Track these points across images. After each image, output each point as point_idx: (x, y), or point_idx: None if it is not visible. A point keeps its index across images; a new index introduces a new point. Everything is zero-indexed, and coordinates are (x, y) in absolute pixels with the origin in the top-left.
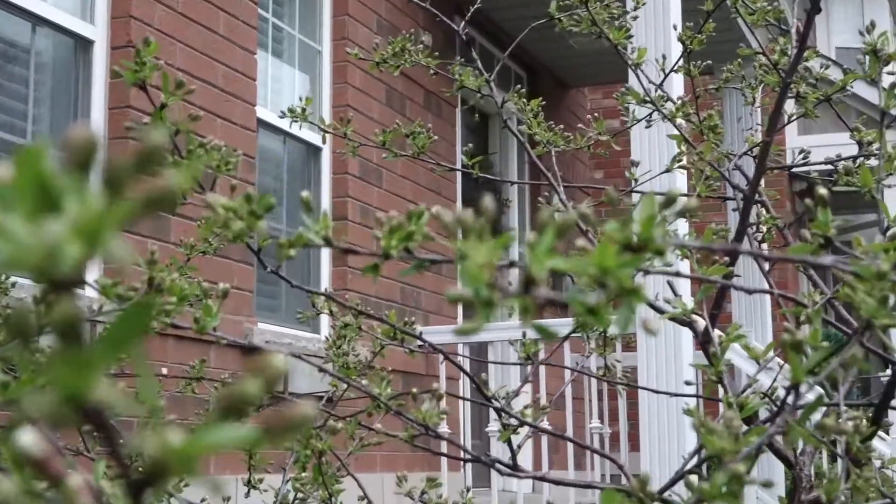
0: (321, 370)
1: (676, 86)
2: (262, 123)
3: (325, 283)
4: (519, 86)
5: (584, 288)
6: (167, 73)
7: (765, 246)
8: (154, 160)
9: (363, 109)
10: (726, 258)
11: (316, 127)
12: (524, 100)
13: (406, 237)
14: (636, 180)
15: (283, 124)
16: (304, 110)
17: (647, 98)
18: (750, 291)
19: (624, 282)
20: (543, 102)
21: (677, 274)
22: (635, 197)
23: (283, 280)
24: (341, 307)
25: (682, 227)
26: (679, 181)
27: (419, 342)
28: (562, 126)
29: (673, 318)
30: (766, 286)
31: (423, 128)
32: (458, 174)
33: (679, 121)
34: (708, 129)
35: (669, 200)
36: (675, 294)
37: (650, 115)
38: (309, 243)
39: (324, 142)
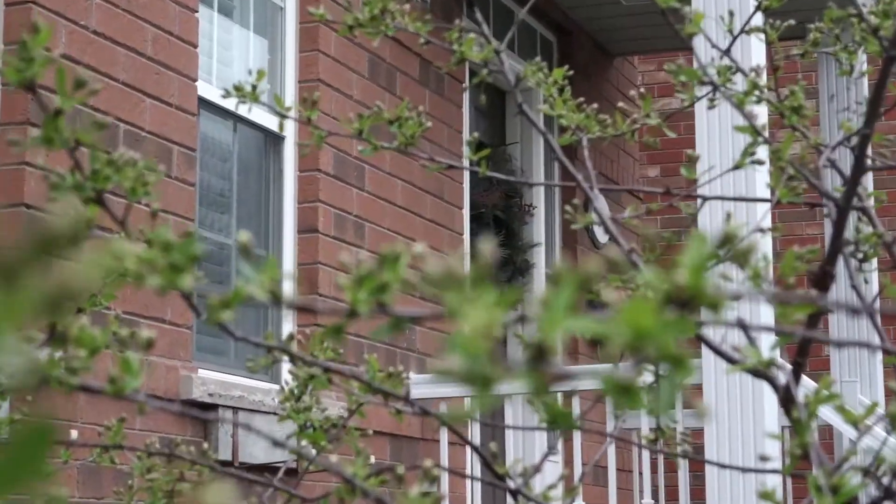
0: (274, 443)
1: (753, 52)
2: (205, 104)
3: (289, 318)
4: (538, 58)
5: (614, 356)
6: (62, 69)
7: (875, 276)
8: (58, 245)
9: (339, 85)
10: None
11: (289, 109)
12: (543, 70)
13: (379, 289)
14: (693, 181)
15: (234, 105)
16: (254, 88)
17: (705, 76)
18: (840, 344)
19: (666, 348)
20: (571, 72)
21: (740, 325)
22: (699, 204)
23: (226, 332)
24: (304, 361)
25: (762, 242)
26: (757, 180)
27: (407, 401)
28: (595, 106)
29: (748, 370)
30: (871, 327)
31: (413, 111)
32: (466, 172)
33: (752, 101)
34: (790, 112)
35: (727, 239)
36: (749, 338)
37: (712, 92)
38: (251, 300)
39: (281, 129)
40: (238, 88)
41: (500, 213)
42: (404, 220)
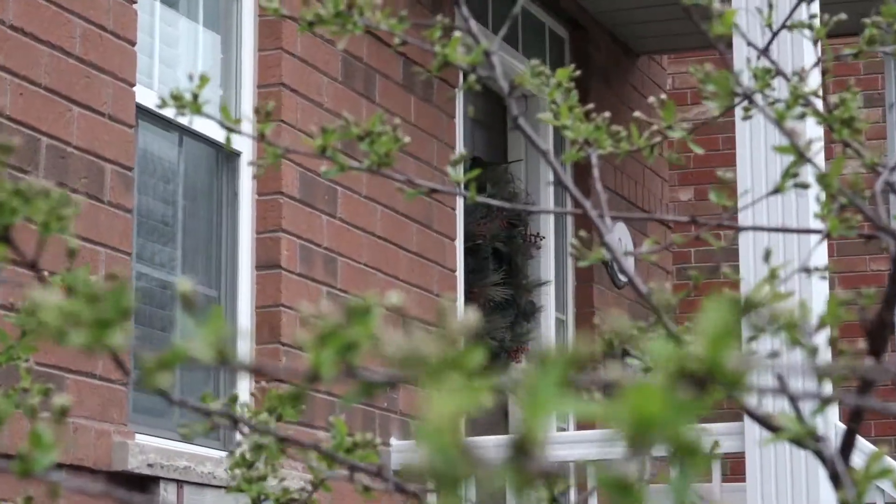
0: None
1: (800, 51)
2: (145, 114)
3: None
4: (545, 58)
5: (613, 443)
6: None
7: None
8: None
9: (307, 91)
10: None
11: (238, 122)
12: (544, 73)
13: (345, 348)
14: (727, 207)
15: (173, 116)
16: (195, 97)
17: (737, 84)
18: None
19: (677, 436)
20: (579, 73)
21: (778, 390)
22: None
23: (164, 398)
24: (252, 428)
25: (816, 255)
26: (806, 205)
27: (380, 475)
28: (606, 115)
29: (793, 440)
30: None
31: (388, 124)
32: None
33: (794, 114)
34: (840, 125)
35: (751, 304)
36: (793, 403)
37: (747, 100)
38: (193, 361)
39: (228, 146)
40: (176, 97)
41: (500, 245)
42: (385, 253)
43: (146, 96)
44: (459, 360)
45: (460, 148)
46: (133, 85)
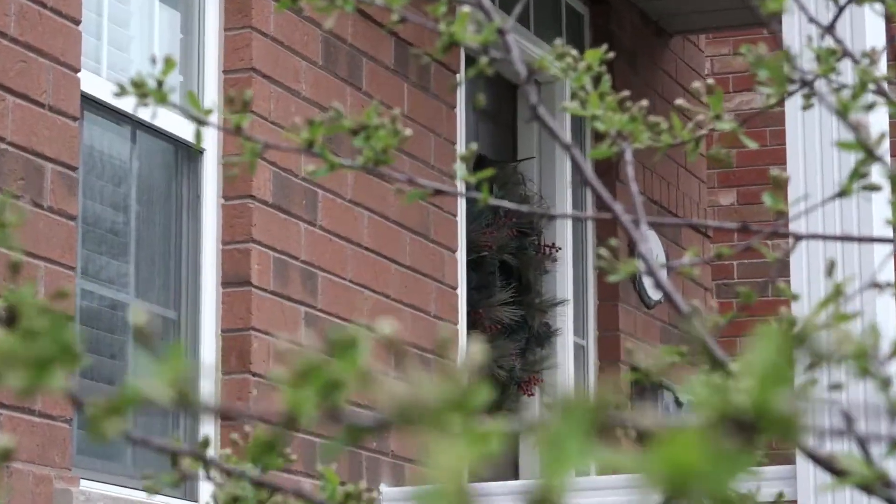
0: None
1: (864, 31)
2: (91, 104)
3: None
4: (559, 40)
5: (641, 491)
6: None
7: None
8: None
9: (282, 77)
10: None
11: (209, 112)
12: (571, 54)
13: (328, 387)
14: (781, 213)
15: (132, 106)
16: (160, 84)
17: (794, 71)
18: None
19: (719, 491)
20: (611, 55)
21: (842, 431)
22: (790, 245)
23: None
24: (225, 471)
25: (884, 268)
26: (865, 212)
27: None
28: (644, 103)
29: (859, 486)
30: None
31: (387, 115)
32: (461, 199)
33: (860, 106)
34: None
35: (809, 327)
36: (860, 444)
37: (807, 87)
38: (150, 404)
39: (198, 142)
40: (137, 84)
41: (509, 257)
42: (373, 268)
43: (93, 84)
44: (465, 402)
45: (462, 143)
46: (77, 71)
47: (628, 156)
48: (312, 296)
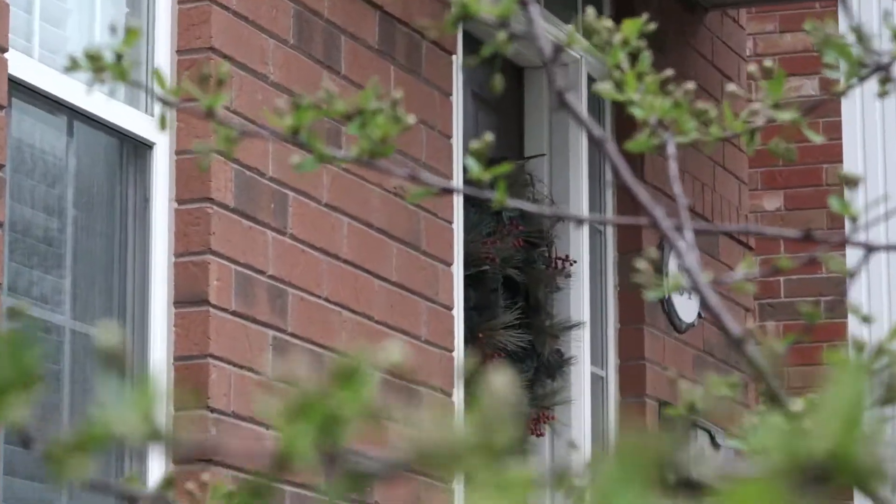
0: None
1: None
2: (20, 89)
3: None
4: (589, 10)
5: None
6: None
7: None
8: None
9: (246, 58)
10: None
11: (145, 100)
12: (606, 25)
13: (328, 423)
14: (852, 218)
15: (72, 90)
16: (119, 58)
17: (867, 52)
18: None
19: None
20: (653, 25)
21: None
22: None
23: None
24: None
25: None
26: None
27: None
28: (691, 86)
29: None
30: None
31: (380, 94)
32: (458, 200)
33: None
34: None
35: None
36: None
37: (881, 71)
38: (116, 442)
39: (162, 125)
40: (93, 57)
41: (515, 272)
42: (354, 284)
43: (22, 65)
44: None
45: (458, 136)
46: (5, 51)
47: (671, 149)
48: (281, 317)
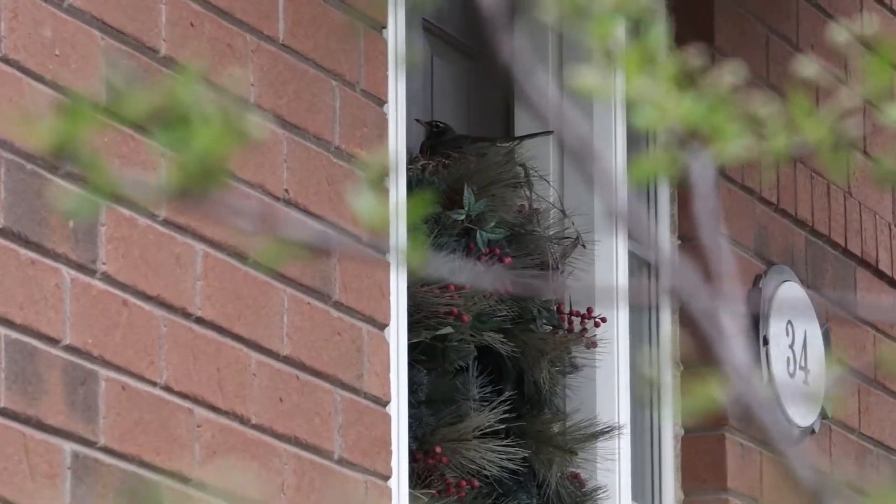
0: None
1: None
2: None
3: None
4: None
5: None
6: None
7: None
8: None
9: None
10: None
11: None
12: None
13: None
14: None
15: None
16: None
17: None
18: None
19: None
20: None
21: None
22: None
23: None
24: None
25: None
26: None
27: None
28: (732, 74)
29: None
30: None
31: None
32: (397, 213)
33: None
34: None
35: None
36: None
37: None
38: None
39: None
40: None
41: (498, 337)
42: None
43: None
44: None
45: (396, 103)
46: None
47: (705, 170)
48: None
